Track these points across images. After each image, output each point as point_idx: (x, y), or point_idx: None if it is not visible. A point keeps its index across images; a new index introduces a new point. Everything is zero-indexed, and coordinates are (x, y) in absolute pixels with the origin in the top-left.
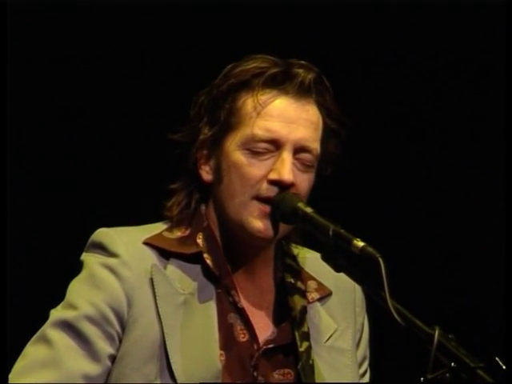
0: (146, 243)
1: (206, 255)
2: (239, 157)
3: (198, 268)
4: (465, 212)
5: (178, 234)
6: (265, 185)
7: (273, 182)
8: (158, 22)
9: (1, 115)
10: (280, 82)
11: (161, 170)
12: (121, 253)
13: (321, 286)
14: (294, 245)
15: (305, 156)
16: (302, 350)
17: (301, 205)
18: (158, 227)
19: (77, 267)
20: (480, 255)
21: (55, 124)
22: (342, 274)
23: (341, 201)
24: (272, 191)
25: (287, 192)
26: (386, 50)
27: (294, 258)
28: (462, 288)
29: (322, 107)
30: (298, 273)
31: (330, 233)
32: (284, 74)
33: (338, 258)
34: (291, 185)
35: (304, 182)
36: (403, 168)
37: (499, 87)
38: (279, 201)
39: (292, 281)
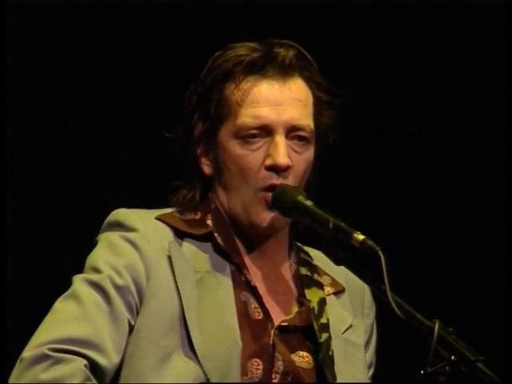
0: (159, 219)
1: (216, 234)
2: (233, 148)
3: (211, 247)
4: (465, 207)
5: (188, 216)
6: (263, 173)
7: (270, 168)
8: (157, 22)
9: (1, 113)
10: (261, 67)
11: (164, 167)
12: (139, 227)
13: (335, 282)
14: (301, 244)
15: (297, 134)
16: (321, 340)
17: (301, 198)
18: (169, 210)
19: (79, 265)
20: (481, 250)
21: (55, 122)
22: (352, 275)
23: (340, 195)
24: (272, 178)
25: (287, 185)
26: (386, 50)
27: (307, 253)
28: (462, 281)
29: (309, 81)
30: (314, 267)
31: (330, 226)
32: (264, 57)
33: (338, 251)
34: (288, 168)
35: (301, 162)
36: (402, 162)
37: (499, 87)
38: (279, 194)
39: (308, 273)
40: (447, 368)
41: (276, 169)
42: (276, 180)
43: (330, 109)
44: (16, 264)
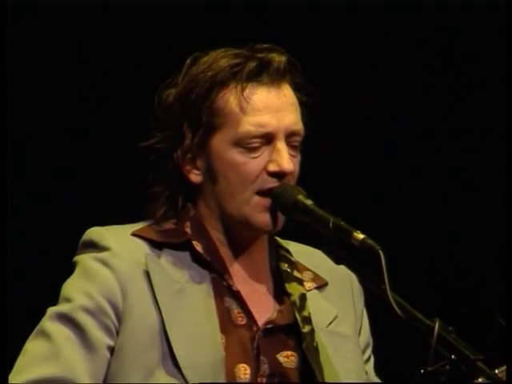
0: (135, 235)
1: (195, 242)
2: (233, 156)
3: (190, 256)
4: (465, 205)
5: (165, 227)
6: (264, 177)
7: (273, 174)
8: (158, 22)
9: (1, 113)
10: (257, 74)
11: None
12: (111, 245)
13: (317, 277)
14: (282, 240)
15: (294, 139)
16: (304, 331)
17: (301, 197)
18: (145, 223)
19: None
20: (481, 249)
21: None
22: (336, 265)
23: (340, 193)
24: (272, 182)
25: (287, 184)
26: (387, 51)
27: (287, 250)
28: (462, 280)
29: (292, 84)
30: (293, 263)
31: (330, 225)
32: (259, 64)
33: (339, 250)
34: (291, 173)
35: (296, 165)
36: (402, 162)
37: (499, 87)
38: (279, 193)
39: (288, 269)
40: (447, 367)
41: (280, 174)
42: (276, 184)
43: (305, 107)
44: (16, 266)
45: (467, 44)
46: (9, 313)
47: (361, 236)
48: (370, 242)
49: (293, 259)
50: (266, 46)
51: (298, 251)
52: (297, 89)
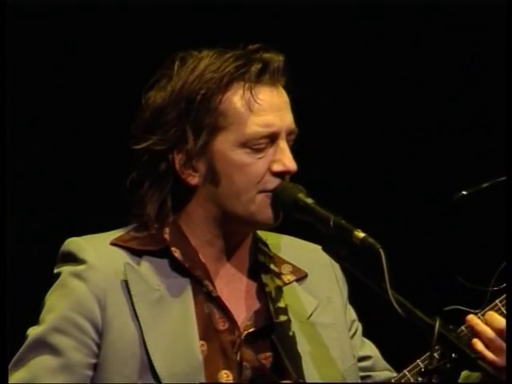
0: (114, 244)
1: (173, 249)
2: (239, 157)
3: (169, 262)
4: (465, 205)
5: (145, 233)
6: (269, 178)
7: (278, 174)
8: (159, 23)
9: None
10: (261, 74)
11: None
12: (88, 258)
13: (296, 269)
14: (261, 232)
15: (290, 138)
16: (277, 321)
17: (301, 196)
18: (125, 229)
19: None
20: (482, 248)
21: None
22: (318, 253)
23: (341, 192)
24: (275, 182)
25: (288, 183)
26: (388, 50)
27: (266, 244)
28: (464, 279)
29: (284, 83)
30: (271, 257)
31: (331, 224)
32: (263, 65)
33: (339, 249)
34: (294, 172)
35: None
36: (403, 160)
37: (499, 87)
38: (280, 192)
39: (266, 262)
40: (448, 365)
41: (284, 174)
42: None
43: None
44: (15, 265)
45: (467, 44)
46: (9, 313)
47: (361, 234)
48: (371, 240)
49: (271, 253)
50: (258, 46)
51: (277, 244)
52: (286, 88)
